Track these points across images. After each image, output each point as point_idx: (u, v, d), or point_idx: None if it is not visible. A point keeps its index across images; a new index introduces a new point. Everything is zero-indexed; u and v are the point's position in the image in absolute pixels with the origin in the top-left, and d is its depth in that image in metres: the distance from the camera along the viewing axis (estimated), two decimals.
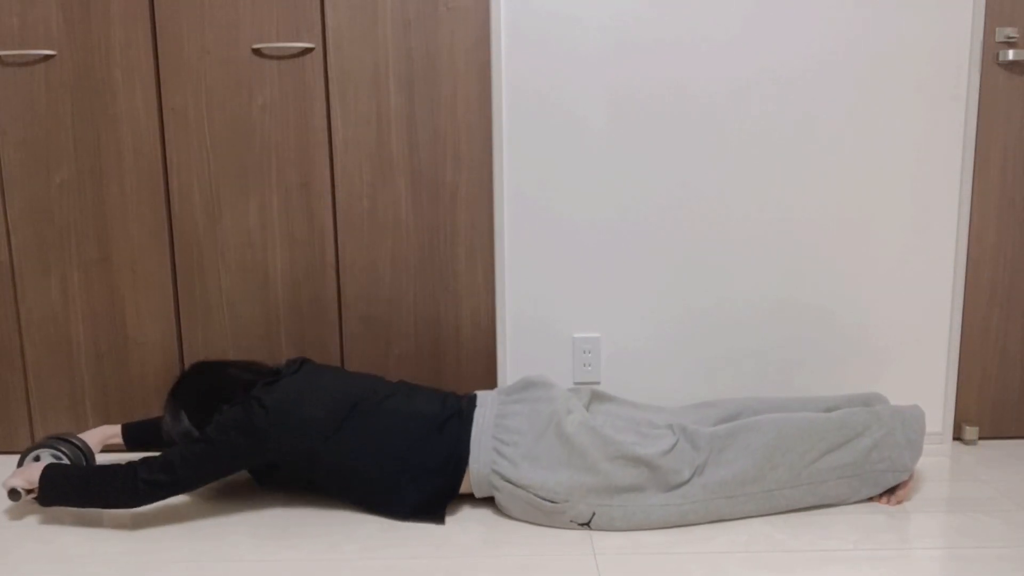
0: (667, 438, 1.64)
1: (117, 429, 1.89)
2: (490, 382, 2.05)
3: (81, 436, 1.81)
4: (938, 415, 2.05)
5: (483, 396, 1.74)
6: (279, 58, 1.91)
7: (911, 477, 1.71)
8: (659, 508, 1.60)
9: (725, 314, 2.02)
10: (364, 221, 1.98)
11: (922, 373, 2.03)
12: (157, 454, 1.63)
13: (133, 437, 1.89)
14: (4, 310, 2.02)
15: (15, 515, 1.73)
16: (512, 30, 1.91)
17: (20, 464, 1.75)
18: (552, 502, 1.59)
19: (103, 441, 1.86)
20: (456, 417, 1.69)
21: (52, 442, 1.75)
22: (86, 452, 1.78)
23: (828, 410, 1.75)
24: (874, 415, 1.68)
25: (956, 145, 1.95)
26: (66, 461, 1.73)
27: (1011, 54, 1.90)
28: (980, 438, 2.08)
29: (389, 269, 2.00)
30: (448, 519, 1.68)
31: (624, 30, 1.91)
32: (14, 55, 1.91)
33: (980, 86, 1.93)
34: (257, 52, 1.91)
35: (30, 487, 1.64)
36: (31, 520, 1.71)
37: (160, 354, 2.03)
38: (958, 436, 2.08)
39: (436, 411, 1.70)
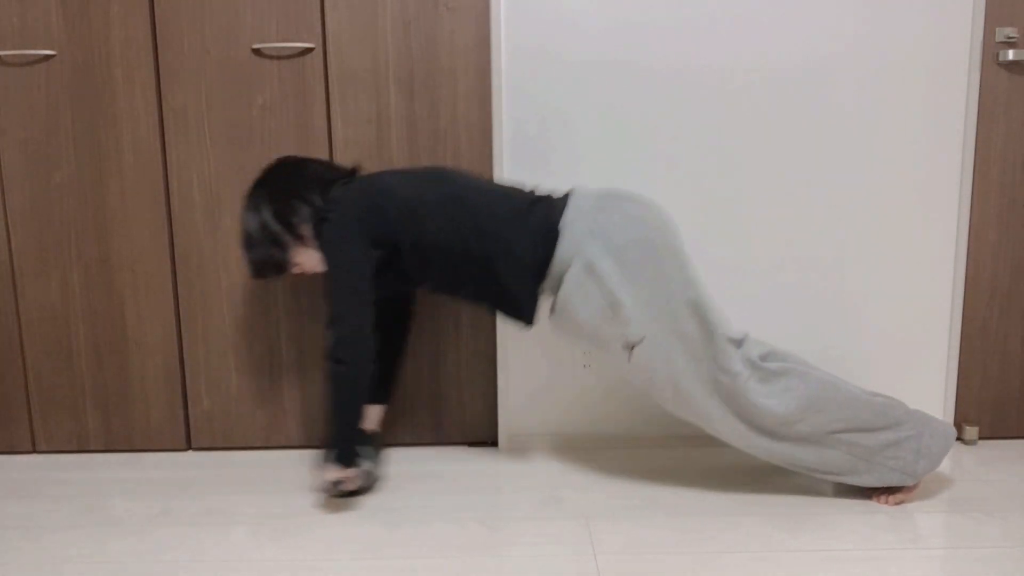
0: (739, 331, 1.66)
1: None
2: (490, 384, 2.05)
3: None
4: (938, 415, 2.05)
5: (579, 189, 1.71)
6: (279, 58, 1.91)
7: (916, 485, 1.71)
8: (693, 374, 1.61)
9: (725, 314, 2.02)
10: None
11: (922, 373, 2.04)
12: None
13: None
14: (4, 310, 2.02)
15: (17, 516, 1.73)
16: (512, 30, 1.91)
17: (321, 468, 1.77)
18: (621, 308, 1.58)
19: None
20: (550, 198, 1.68)
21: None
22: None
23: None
24: (911, 415, 1.67)
25: (956, 145, 1.95)
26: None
27: (1011, 54, 1.91)
28: (980, 438, 2.08)
29: None
30: (448, 519, 1.68)
31: (624, 32, 1.91)
32: (14, 55, 1.91)
33: (980, 86, 1.93)
34: (257, 52, 1.91)
35: (344, 475, 1.70)
36: (31, 520, 1.71)
37: (160, 354, 2.03)
38: (958, 436, 2.08)
39: (527, 193, 1.70)
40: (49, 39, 1.91)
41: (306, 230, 1.67)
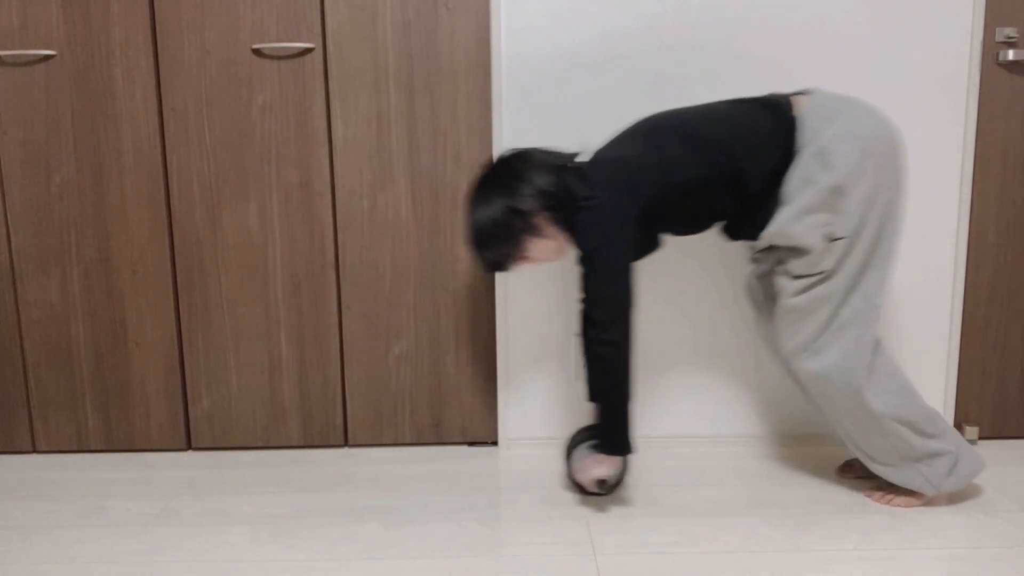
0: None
1: None
2: (490, 383, 2.05)
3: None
4: None
5: (819, 88, 1.67)
6: (279, 58, 1.91)
7: (931, 499, 1.70)
8: (838, 301, 1.58)
9: (726, 313, 2.02)
10: (364, 221, 1.98)
11: (922, 373, 2.03)
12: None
13: None
14: (4, 310, 2.02)
15: (16, 516, 1.73)
16: (512, 30, 1.91)
17: (571, 470, 1.77)
18: (844, 197, 1.53)
19: None
20: (780, 97, 1.64)
21: (582, 435, 1.79)
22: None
23: None
24: (952, 432, 1.67)
25: (956, 145, 1.95)
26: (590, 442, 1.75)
27: (1011, 54, 1.90)
28: (980, 438, 2.08)
29: (389, 269, 2.00)
30: (448, 519, 1.68)
31: (625, 31, 1.91)
32: (14, 55, 1.91)
33: (980, 86, 1.93)
34: (257, 52, 1.91)
35: (613, 469, 1.68)
36: (32, 520, 1.71)
37: (160, 354, 2.03)
38: None
39: (750, 99, 1.66)
40: (49, 39, 1.91)
41: (541, 220, 1.63)
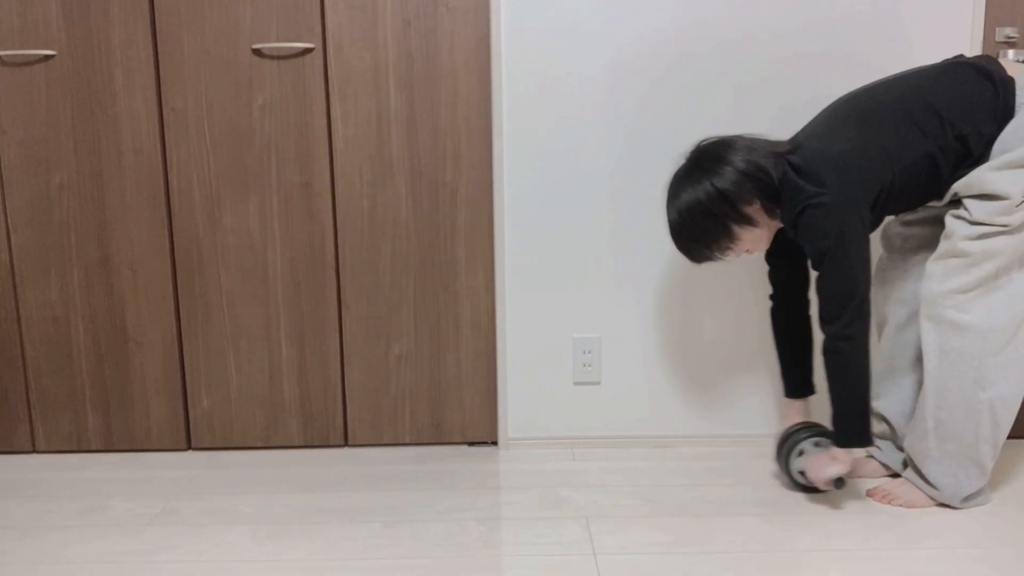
0: None
1: (790, 402, 1.85)
2: (490, 383, 2.05)
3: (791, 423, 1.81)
4: None
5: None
6: (279, 58, 1.91)
7: (925, 503, 1.70)
8: (1004, 263, 1.55)
9: (726, 313, 2.02)
10: (364, 221, 1.98)
11: None
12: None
13: (798, 389, 1.84)
14: (4, 310, 2.02)
15: (16, 516, 1.73)
16: (512, 30, 1.91)
17: (790, 467, 1.76)
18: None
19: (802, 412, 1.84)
20: (973, 59, 1.60)
21: (799, 435, 1.76)
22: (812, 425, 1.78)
23: None
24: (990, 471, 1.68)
25: None
26: (817, 438, 1.74)
27: (1011, 54, 1.90)
28: None
29: (389, 269, 2.00)
30: (448, 519, 1.68)
31: (625, 30, 1.91)
32: (14, 55, 1.91)
33: None
34: (257, 52, 1.91)
35: (847, 466, 1.65)
36: (32, 520, 1.71)
37: (160, 354, 2.03)
38: None
39: (940, 64, 1.62)
40: (49, 39, 1.91)
41: (753, 210, 1.60)
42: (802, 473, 1.74)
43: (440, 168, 1.95)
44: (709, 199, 1.58)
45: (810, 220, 1.56)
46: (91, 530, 1.66)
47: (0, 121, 1.94)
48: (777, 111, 1.94)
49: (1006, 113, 1.54)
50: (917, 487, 1.70)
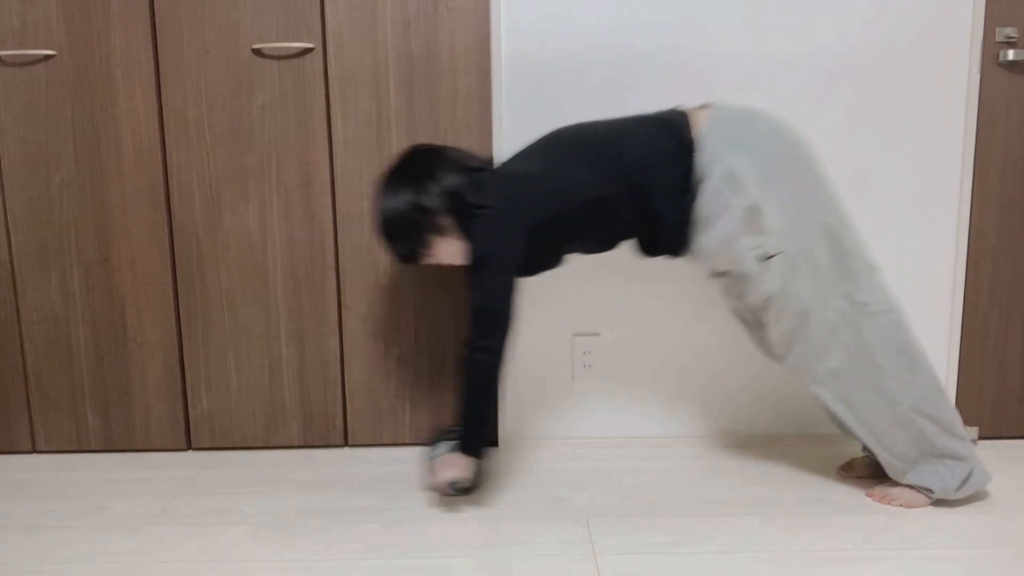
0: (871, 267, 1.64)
1: None
2: None
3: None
4: None
5: (718, 102, 1.69)
6: (279, 58, 1.91)
7: (921, 502, 1.70)
8: (817, 303, 1.59)
9: (726, 313, 2.02)
10: (364, 221, 1.98)
11: None
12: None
13: None
14: (4, 310, 2.02)
15: (18, 516, 1.73)
16: (512, 30, 1.91)
17: (432, 467, 1.76)
18: (762, 216, 1.56)
19: None
20: (680, 114, 1.65)
21: (441, 435, 1.78)
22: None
23: None
24: (972, 447, 1.68)
25: (956, 145, 1.95)
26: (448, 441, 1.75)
27: (1011, 54, 1.91)
28: (980, 438, 2.08)
29: (389, 269, 2.00)
30: (447, 519, 1.68)
31: (624, 30, 1.91)
32: (14, 55, 1.91)
33: (980, 86, 1.93)
34: (257, 52, 1.91)
35: (464, 472, 1.69)
36: (32, 520, 1.71)
37: (160, 354, 2.03)
38: None
39: (652, 115, 1.68)
40: (49, 39, 1.91)
41: (446, 220, 1.64)
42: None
43: None
44: (409, 209, 1.63)
45: (473, 229, 1.62)
46: (91, 530, 1.66)
47: (0, 121, 1.94)
48: (776, 108, 1.94)
49: (688, 169, 1.59)
50: (913, 489, 1.70)
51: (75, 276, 2.00)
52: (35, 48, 1.91)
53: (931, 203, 1.97)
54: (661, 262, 1.99)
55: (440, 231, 1.65)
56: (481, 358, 1.61)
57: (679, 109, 1.69)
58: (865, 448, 1.85)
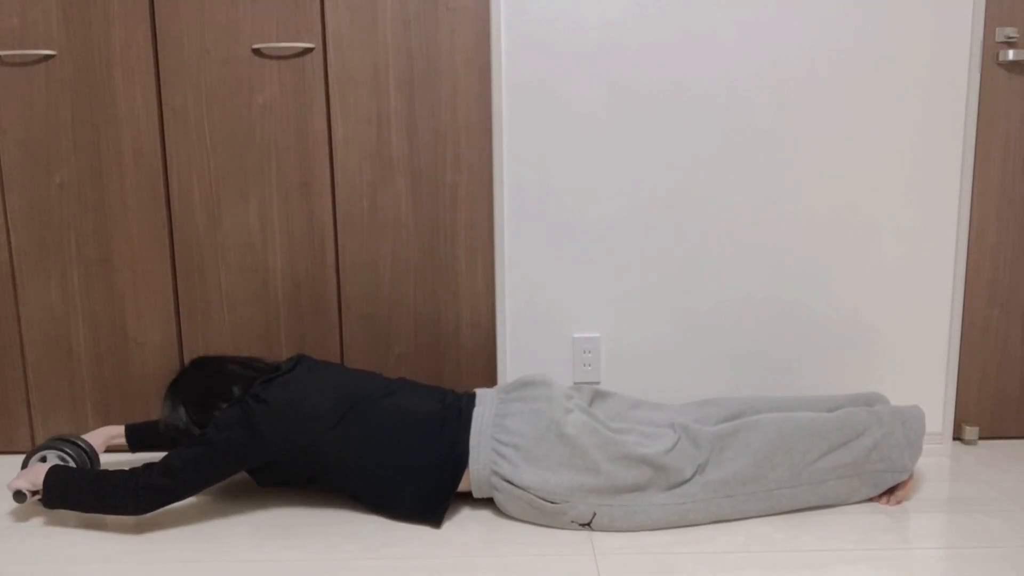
0: (668, 437, 1.64)
1: (120, 429, 1.87)
2: (490, 382, 2.05)
3: (85, 437, 1.80)
4: (938, 415, 2.05)
5: (482, 394, 1.74)
6: (279, 58, 1.91)
7: (911, 477, 1.71)
8: (660, 507, 1.60)
9: (725, 314, 2.02)
10: (364, 221, 1.98)
11: (922, 373, 2.03)
12: (160, 457, 1.63)
13: (137, 438, 1.87)
14: (4, 310, 2.02)
15: (19, 516, 1.73)
16: (512, 30, 1.91)
17: (25, 465, 1.75)
18: (552, 503, 1.59)
19: (107, 442, 1.85)
20: (455, 416, 1.68)
21: (57, 443, 1.74)
22: (90, 454, 1.77)
23: (830, 410, 1.75)
24: (874, 415, 1.68)
25: (956, 145, 1.95)
26: (71, 463, 1.72)
27: (1011, 54, 1.90)
28: (980, 438, 2.08)
29: (389, 269, 2.00)
30: (447, 519, 1.68)
31: (624, 29, 1.91)
32: (14, 55, 1.91)
33: (980, 86, 1.93)
34: (257, 52, 1.91)
35: (35, 489, 1.64)
36: (32, 520, 1.71)
37: (160, 354, 2.03)
38: (958, 436, 2.08)
39: (435, 409, 1.69)
40: (49, 39, 1.90)
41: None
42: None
43: (440, 168, 1.95)
44: (182, 421, 1.68)
45: (221, 413, 1.64)
46: (92, 530, 1.66)
47: (0, 121, 1.94)
48: (776, 107, 1.94)
49: (460, 460, 1.64)
50: (890, 492, 1.72)
51: (75, 276, 2.00)
52: (35, 48, 1.91)
53: (931, 203, 1.97)
54: (662, 262, 1.99)
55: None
56: (140, 494, 1.58)
57: (459, 406, 1.71)
58: None
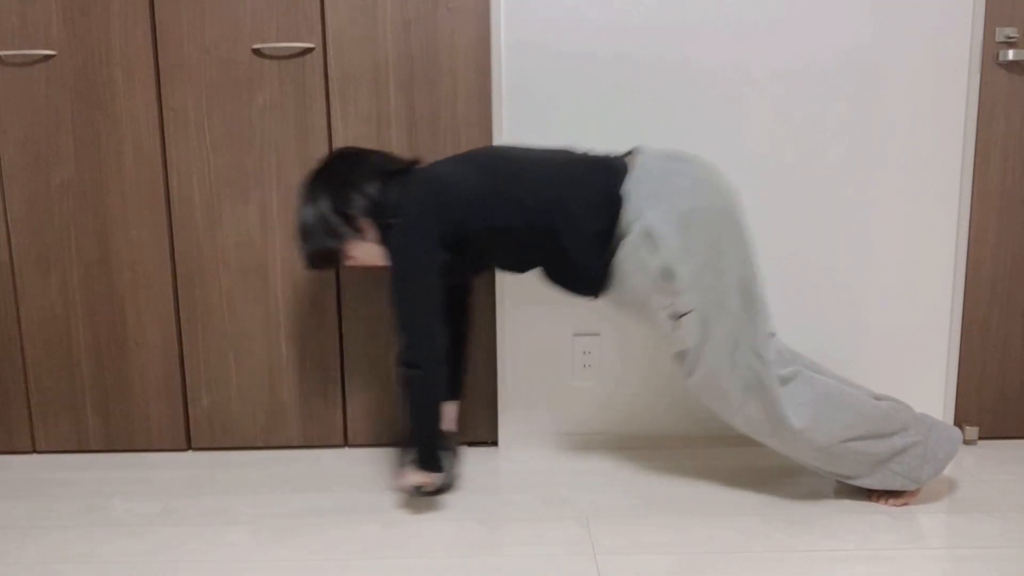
0: (788, 364, 1.65)
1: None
2: (490, 382, 2.05)
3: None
4: (938, 415, 2.05)
5: (645, 149, 1.68)
6: (279, 58, 1.91)
7: (918, 490, 1.71)
8: (725, 358, 1.59)
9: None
10: None
11: (922, 373, 2.03)
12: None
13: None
14: (4, 310, 2.02)
15: (19, 516, 1.73)
16: (512, 30, 1.91)
17: (400, 471, 1.79)
18: (673, 279, 1.56)
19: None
20: (610, 162, 1.65)
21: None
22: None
23: (875, 398, 1.72)
24: (916, 419, 1.67)
25: (956, 145, 1.95)
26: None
27: (1011, 54, 1.91)
28: (980, 438, 2.08)
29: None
30: (447, 519, 1.68)
31: (624, 30, 1.91)
32: (14, 55, 1.91)
33: (980, 86, 1.93)
34: (257, 52, 1.91)
35: (429, 481, 1.70)
36: (32, 520, 1.71)
37: (160, 354, 2.03)
38: None
39: (586, 158, 1.68)
40: (49, 39, 1.91)
41: (364, 223, 1.65)
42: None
43: None
44: (327, 214, 1.63)
45: (389, 237, 1.62)
46: (91, 530, 1.66)
47: (0, 121, 1.94)
48: (776, 108, 1.94)
49: (612, 223, 1.59)
50: (890, 493, 1.72)
51: (75, 276, 2.00)
52: (35, 48, 1.91)
53: (931, 203, 1.97)
54: None
55: (358, 235, 1.66)
56: (408, 374, 1.61)
57: (621, 157, 1.69)
58: None
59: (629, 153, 1.70)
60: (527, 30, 1.91)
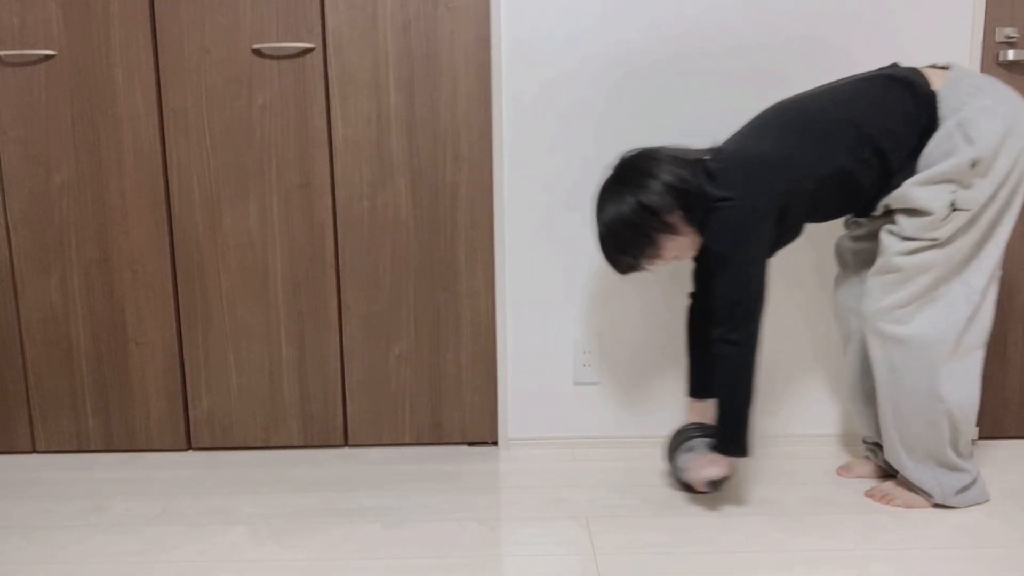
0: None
1: (692, 402, 1.85)
2: (490, 383, 2.05)
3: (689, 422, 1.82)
4: None
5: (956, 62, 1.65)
6: (279, 58, 1.91)
7: (927, 506, 1.70)
8: (942, 277, 1.57)
9: None
10: (364, 221, 1.98)
11: None
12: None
13: (699, 390, 1.84)
14: (4, 310, 2.02)
15: (19, 516, 1.73)
16: (512, 30, 1.91)
17: (675, 466, 1.76)
18: (981, 165, 1.50)
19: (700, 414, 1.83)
20: (904, 71, 1.61)
21: (689, 433, 1.76)
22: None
23: None
24: (976, 465, 1.69)
25: None
26: (704, 438, 1.73)
27: (1011, 54, 1.91)
28: (980, 438, 2.08)
29: (389, 269, 2.00)
30: (448, 519, 1.68)
31: (624, 29, 1.91)
32: (14, 55, 1.91)
33: None
34: (257, 52, 1.91)
35: (725, 470, 1.66)
36: (32, 520, 1.71)
37: (160, 354, 2.03)
38: None
39: (872, 76, 1.64)
40: (49, 39, 1.91)
41: (675, 218, 1.58)
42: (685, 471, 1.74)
43: (440, 168, 1.95)
44: (633, 212, 1.57)
45: (715, 222, 1.58)
46: (91, 530, 1.66)
47: (0, 121, 1.94)
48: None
49: (929, 126, 1.55)
50: (911, 491, 1.71)
51: (75, 276, 2.00)
52: (35, 48, 1.91)
53: None
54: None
55: (670, 229, 1.59)
56: (730, 352, 1.58)
57: (911, 67, 1.63)
58: (866, 446, 1.86)
59: (934, 66, 1.64)
60: (527, 30, 1.91)
